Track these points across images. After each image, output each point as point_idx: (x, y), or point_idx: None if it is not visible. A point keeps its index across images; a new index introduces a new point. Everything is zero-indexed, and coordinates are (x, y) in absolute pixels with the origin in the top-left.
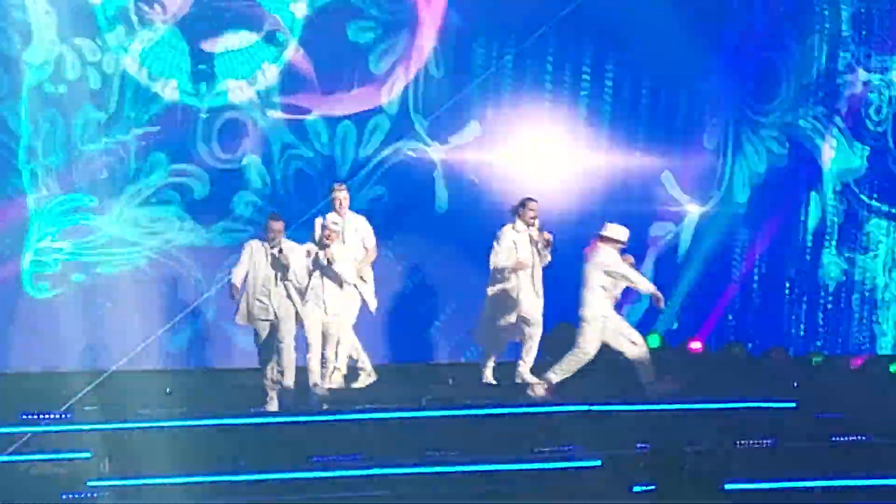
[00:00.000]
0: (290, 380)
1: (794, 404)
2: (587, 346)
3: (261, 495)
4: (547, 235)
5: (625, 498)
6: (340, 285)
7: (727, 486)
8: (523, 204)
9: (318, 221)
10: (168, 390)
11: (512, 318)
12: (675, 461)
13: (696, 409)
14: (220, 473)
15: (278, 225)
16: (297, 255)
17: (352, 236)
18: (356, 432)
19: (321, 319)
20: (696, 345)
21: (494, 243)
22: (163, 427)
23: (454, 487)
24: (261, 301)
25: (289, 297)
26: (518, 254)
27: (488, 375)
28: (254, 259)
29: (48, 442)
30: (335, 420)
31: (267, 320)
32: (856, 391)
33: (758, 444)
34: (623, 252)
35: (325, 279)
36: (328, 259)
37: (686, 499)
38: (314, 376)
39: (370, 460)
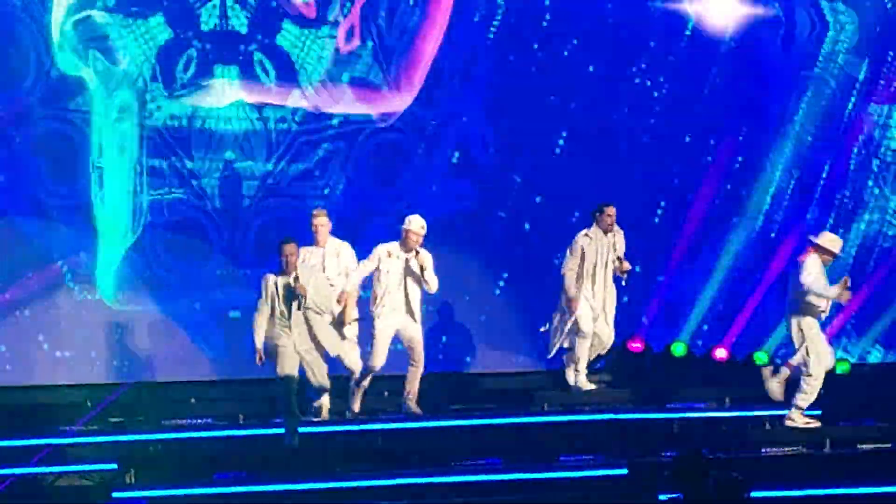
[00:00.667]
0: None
1: (818, 412)
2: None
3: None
4: (626, 266)
5: None
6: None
7: (754, 494)
8: (601, 209)
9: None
10: (192, 399)
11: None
12: (700, 468)
13: (723, 418)
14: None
15: (291, 248)
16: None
17: (332, 264)
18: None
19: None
20: (720, 353)
21: (567, 250)
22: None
23: (478, 496)
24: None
25: (309, 326)
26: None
27: (582, 381)
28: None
29: (73, 453)
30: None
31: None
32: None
33: (784, 452)
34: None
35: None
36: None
37: None
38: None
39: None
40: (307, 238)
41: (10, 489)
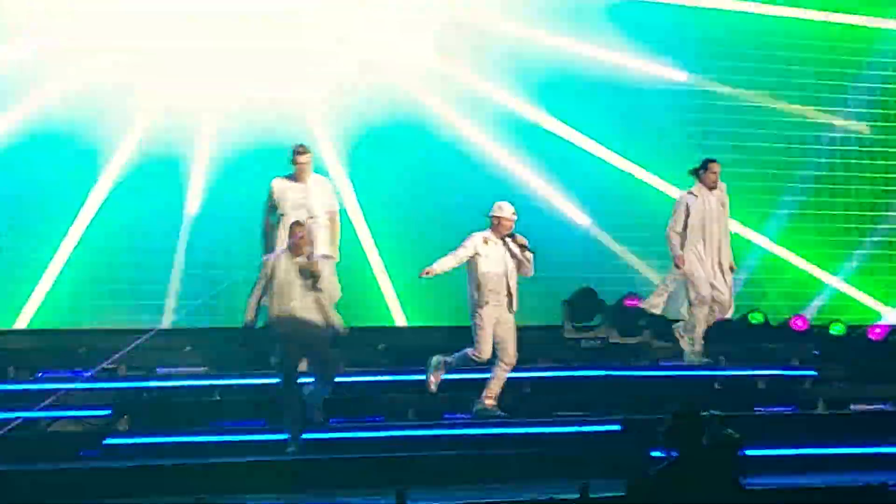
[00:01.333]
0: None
1: (815, 373)
2: None
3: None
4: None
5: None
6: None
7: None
8: (705, 166)
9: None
10: (188, 348)
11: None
12: (696, 426)
13: (719, 376)
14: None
15: (303, 230)
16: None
17: (318, 202)
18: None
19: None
20: None
21: (673, 211)
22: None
23: (472, 449)
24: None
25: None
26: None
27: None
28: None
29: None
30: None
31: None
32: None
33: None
34: None
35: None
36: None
37: (706, 464)
38: None
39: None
40: None
41: (10, 432)
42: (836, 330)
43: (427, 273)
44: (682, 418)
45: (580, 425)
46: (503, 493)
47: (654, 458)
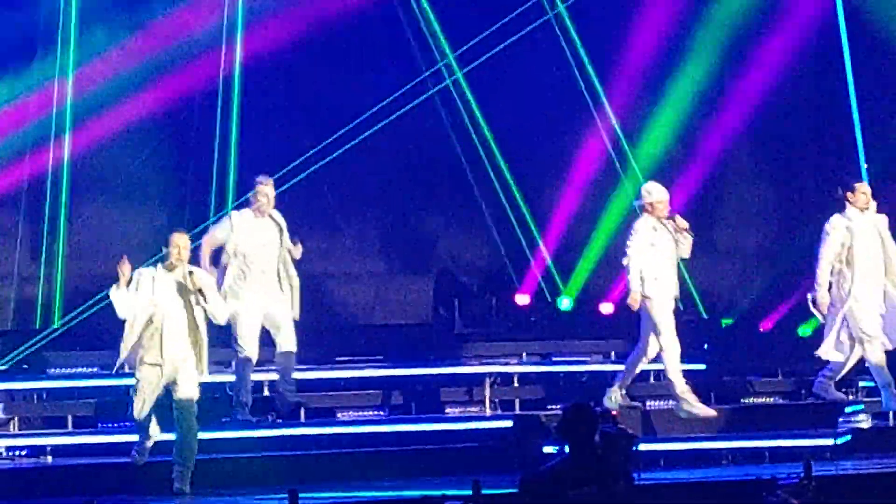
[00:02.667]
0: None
1: (703, 366)
2: None
3: None
4: None
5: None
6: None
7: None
8: (853, 188)
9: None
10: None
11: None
12: (588, 421)
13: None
14: None
15: (184, 240)
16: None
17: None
18: None
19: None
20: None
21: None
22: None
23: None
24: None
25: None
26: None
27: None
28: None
29: None
30: None
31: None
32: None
33: (669, 405)
34: None
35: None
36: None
37: (599, 459)
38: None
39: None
40: None
41: None
42: (726, 322)
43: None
44: (575, 413)
45: (472, 421)
46: (395, 490)
47: (547, 453)
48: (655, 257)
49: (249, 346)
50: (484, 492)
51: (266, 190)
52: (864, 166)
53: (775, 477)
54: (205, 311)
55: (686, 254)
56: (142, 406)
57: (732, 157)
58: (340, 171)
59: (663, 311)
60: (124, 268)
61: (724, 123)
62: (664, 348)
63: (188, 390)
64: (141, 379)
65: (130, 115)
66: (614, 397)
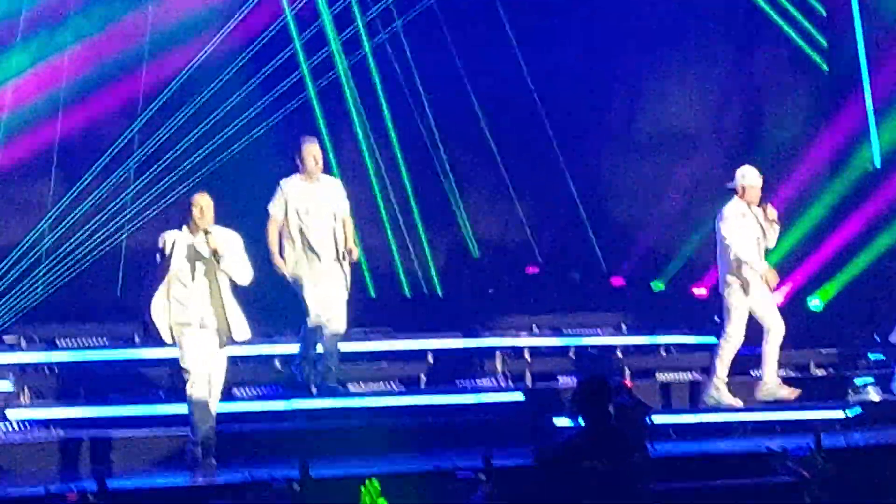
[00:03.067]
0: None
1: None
2: None
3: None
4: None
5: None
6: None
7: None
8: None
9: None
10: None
11: None
12: (604, 394)
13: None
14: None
15: (206, 200)
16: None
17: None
18: None
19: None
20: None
21: None
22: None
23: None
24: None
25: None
26: None
27: None
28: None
29: None
30: None
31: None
32: None
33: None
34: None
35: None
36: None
37: (614, 431)
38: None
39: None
40: None
41: None
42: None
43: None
44: (589, 386)
45: (484, 393)
46: (406, 463)
47: (558, 427)
48: (738, 241)
49: (314, 315)
50: (495, 464)
51: (311, 149)
52: None
53: (786, 449)
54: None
55: (772, 244)
56: (191, 379)
57: None
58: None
59: (741, 299)
60: None
61: None
62: (727, 335)
63: (218, 357)
64: (182, 347)
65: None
66: (716, 394)
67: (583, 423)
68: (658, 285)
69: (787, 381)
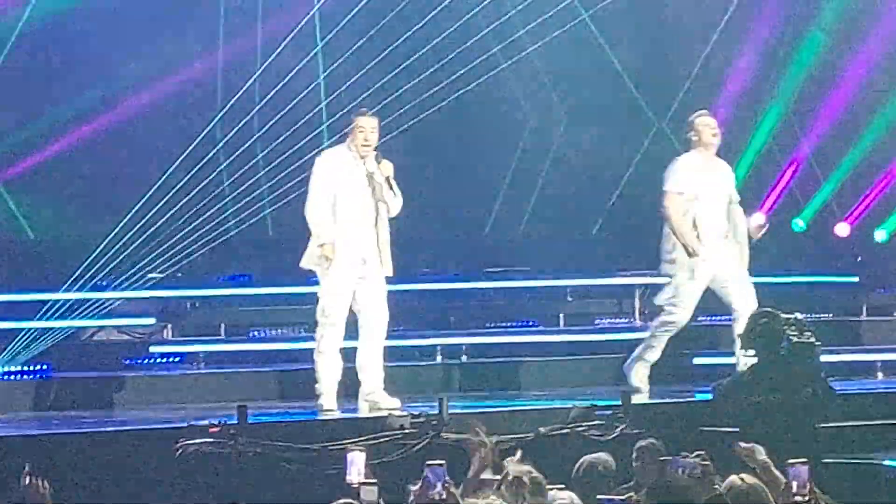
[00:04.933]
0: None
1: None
2: None
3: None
4: None
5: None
6: None
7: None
8: None
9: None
10: None
11: None
12: (776, 328)
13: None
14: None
15: (372, 123)
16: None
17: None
18: None
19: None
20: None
21: None
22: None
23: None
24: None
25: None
26: None
27: None
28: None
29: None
30: None
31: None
32: None
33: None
34: None
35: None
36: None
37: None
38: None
39: None
40: None
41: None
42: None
43: None
44: (761, 320)
45: (622, 332)
46: (545, 400)
47: (697, 364)
48: None
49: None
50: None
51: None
52: None
53: None
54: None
55: None
56: (327, 324)
57: None
58: None
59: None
60: None
61: None
62: None
63: (376, 293)
64: (327, 284)
65: None
66: None
67: (756, 358)
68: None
69: None
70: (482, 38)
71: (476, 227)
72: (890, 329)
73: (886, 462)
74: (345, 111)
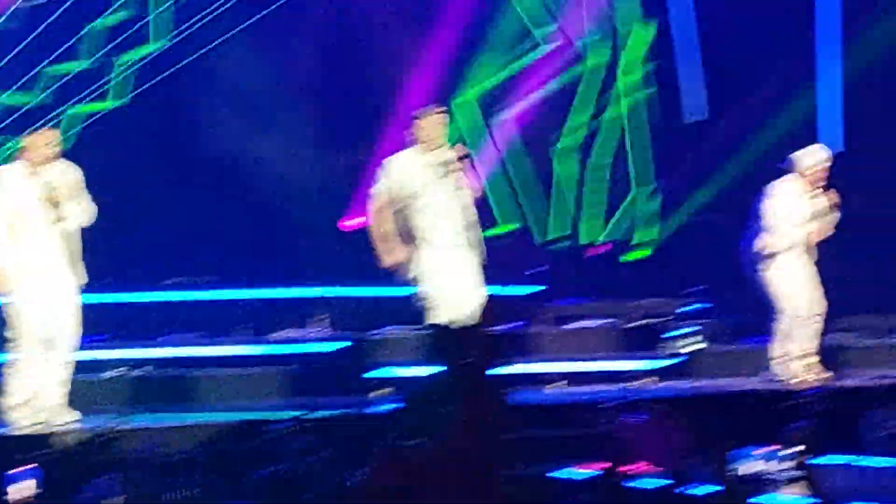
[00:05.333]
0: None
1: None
2: None
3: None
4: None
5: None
6: None
7: None
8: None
9: None
10: None
11: None
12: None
13: None
14: None
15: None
16: None
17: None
18: None
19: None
20: None
21: None
22: None
23: None
24: None
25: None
26: None
27: None
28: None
29: None
30: None
31: None
32: None
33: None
34: None
35: None
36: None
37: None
38: None
39: None
40: None
41: None
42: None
43: None
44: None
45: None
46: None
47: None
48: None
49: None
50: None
51: (422, 122)
52: None
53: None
54: None
55: None
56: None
57: None
58: None
59: None
60: None
61: None
62: None
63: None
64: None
65: None
66: None
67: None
68: None
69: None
70: None
71: None
72: (575, 338)
73: (555, 474)
74: None
